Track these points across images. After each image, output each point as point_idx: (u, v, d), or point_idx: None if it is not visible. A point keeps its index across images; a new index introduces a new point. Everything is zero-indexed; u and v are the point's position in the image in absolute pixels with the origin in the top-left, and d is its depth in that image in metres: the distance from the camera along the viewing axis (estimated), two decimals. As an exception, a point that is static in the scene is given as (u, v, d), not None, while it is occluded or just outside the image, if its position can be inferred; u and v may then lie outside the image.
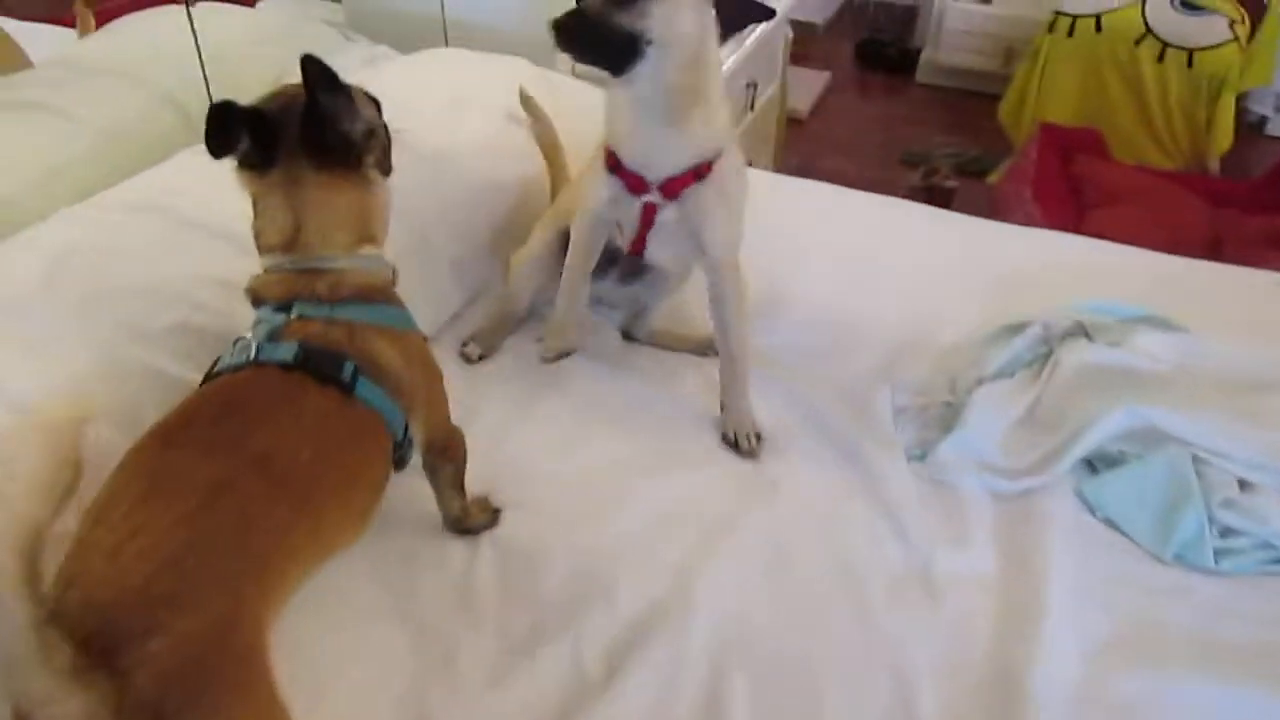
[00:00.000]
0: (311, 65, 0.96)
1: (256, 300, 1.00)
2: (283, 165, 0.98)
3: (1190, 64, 2.80)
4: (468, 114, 1.60)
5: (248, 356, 0.93)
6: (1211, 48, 2.78)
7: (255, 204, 1.01)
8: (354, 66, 1.83)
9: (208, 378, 0.96)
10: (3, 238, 1.26)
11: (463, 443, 1.13)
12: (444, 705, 1.00)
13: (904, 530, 1.21)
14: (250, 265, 1.05)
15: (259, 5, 2.37)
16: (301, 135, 0.97)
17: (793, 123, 3.46)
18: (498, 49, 1.86)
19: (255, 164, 0.99)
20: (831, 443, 1.34)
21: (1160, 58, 2.83)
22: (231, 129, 0.97)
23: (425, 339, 1.10)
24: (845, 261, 1.67)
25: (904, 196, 1.99)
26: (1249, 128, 3.41)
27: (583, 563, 1.15)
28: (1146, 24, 2.86)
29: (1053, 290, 1.54)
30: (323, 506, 0.91)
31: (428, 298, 1.44)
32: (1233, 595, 1.11)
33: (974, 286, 1.62)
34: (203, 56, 1.62)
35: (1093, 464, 1.27)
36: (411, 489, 1.15)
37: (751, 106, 2.44)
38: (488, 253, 1.56)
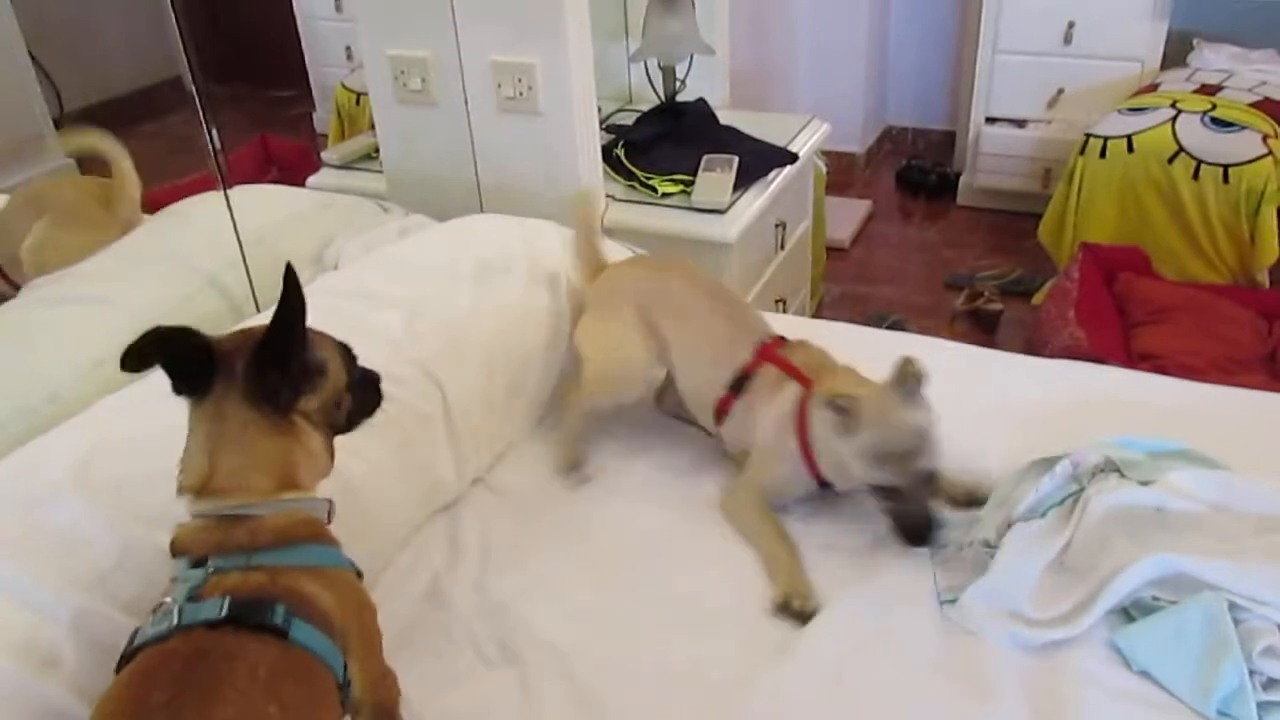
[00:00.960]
0: (291, 279, 0.95)
1: (176, 552, 0.96)
2: (214, 397, 0.96)
3: (1226, 179, 2.78)
4: (492, 278, 1.66)
5: (169, 624, 0.87)
6: (1247, 163, 2.77)
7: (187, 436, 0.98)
8: (389, 236, 1.93)
9: (128, 654, 0.89)
10: (48, 429, 1.33)
11: (395, 683, 1.05)
12: None
13: (926, 686, 1.17)
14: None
15: (310, 179, 2.53)
16: (250, 360, 0.96)
17: (835, 252, 3.51)
18: (531, 211, 1.95)
19: (179, 392, 0.98)
20: (860, 586, 1.32)
21: (1195, 175, 2.82)
22: (151, 354, 0.95)
23: (359, 574, 1.03)
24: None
25: (950, 320, 1.99)
26: (1299, 237, 3.35)
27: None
28: (1178, 142, 2.86)
29: (1089, 425, 1.50)
30: None
31: (455, 457, 1.49)
32: (1281, 756, 1.05)
33: (1013, 423, 1.59)
34: (240, 238, 1.73)
35: (1128, 612, 1.22)
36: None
37: (782, 245, 2.48)
38: (507, 413, 1.60)
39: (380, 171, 2.41)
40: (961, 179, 3.88)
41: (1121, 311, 2.76)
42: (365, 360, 1.18)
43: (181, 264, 1.78)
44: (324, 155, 2.58)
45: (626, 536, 1.44)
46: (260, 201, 2.00)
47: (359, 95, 2.80)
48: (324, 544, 0.98)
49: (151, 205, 1.96)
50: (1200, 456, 1.39)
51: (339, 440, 1.09)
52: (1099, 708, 1.12)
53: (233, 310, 1.74)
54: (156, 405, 1.35)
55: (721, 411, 1.51)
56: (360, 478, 1.32)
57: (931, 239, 3.77)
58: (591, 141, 2.11)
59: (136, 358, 0.95)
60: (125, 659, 0.89)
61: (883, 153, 4.40)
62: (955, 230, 3.79)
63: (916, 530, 1.35)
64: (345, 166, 2.54)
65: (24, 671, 1.01)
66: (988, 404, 1.65)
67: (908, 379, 1.33)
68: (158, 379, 1.43)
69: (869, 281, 3.48)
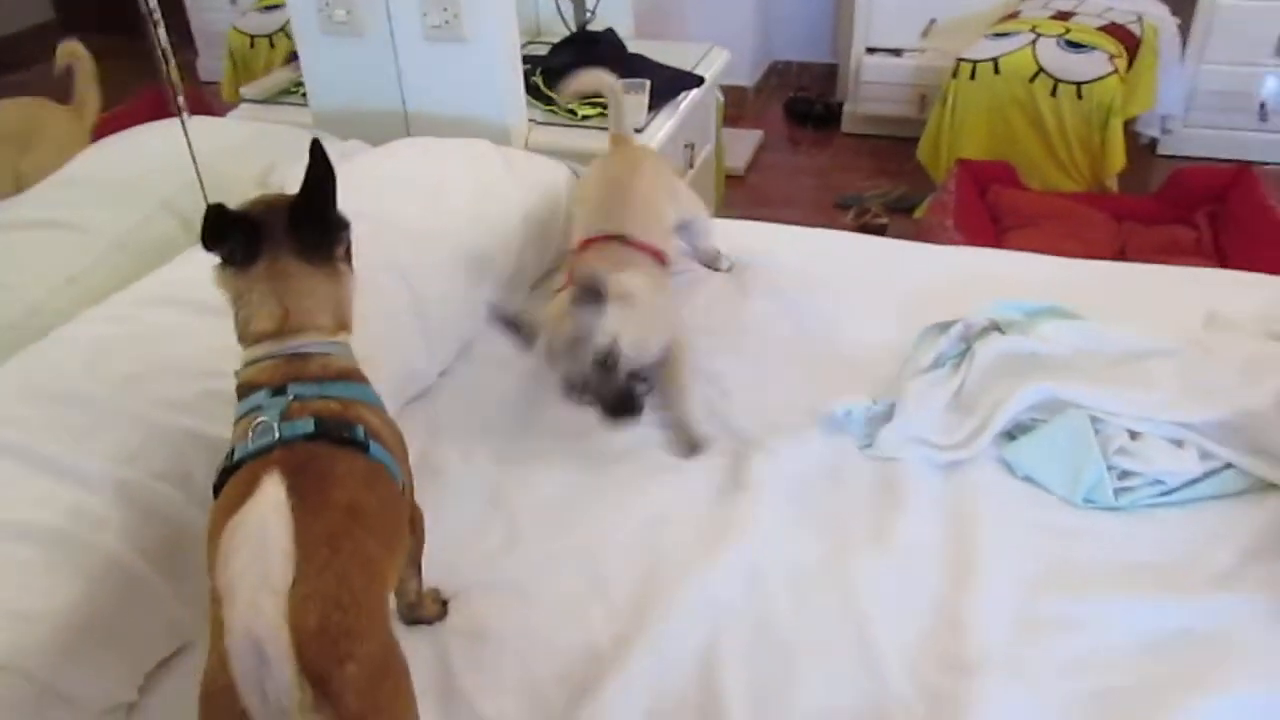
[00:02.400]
0: (318, 150, 1.07)
1: (249, 389, 1.05)
2: (267, 260, 1.06)
3: (1080, 96, 3.09)
4: (446, 193, 1.81)
5: (272, 438, 0.98)
6: (1096, 80, 3.08)
7: (238, 298, 1.09)
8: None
9: (229, 469, 0.99)
10: (33, 341, 1.42)
11: (422, 520, 1.19)
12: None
13: (860, 507, 1.40)
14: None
15: (229, 115, 2.59)
16: (291, 224, 1.07)
17: (731, 179, 3.71)
18: (455, 135, 2.08)
19: (237, 262, 1.07)
20: (793, 442, 1.53)
21: (1054, 93, 3.13)
22: (224, 229, 1.05)
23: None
24: (786, 289, 1.88)
25: (842, 235, 2.23)
26: (1142, 149, 3.73)
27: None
28: (1038, 63, 3.16)
29: (974, 298, 1.75)
30: (392, 541, 1.02)
31: (427, 350, 1.64)
32: (1132, 526, 1.32)
33: (902, 301, 1.83)
34: (196, 163, 1.82)
35: (1010, 433, 1.48)
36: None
37: (691, 165, 2.68)
38: (468, 306, 1.75)
39: (302, 105, 2.49)
40: (845, 108, 4.14)
41: (994, 219, 3.05)
42: None
43: (133, 189, 1.87)
44: (243, 91, 2.64)
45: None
46: (198, 132, 2.08)
47: (253, 38, 2.85)
48: (369, 386, 1.12)
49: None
50: (1065, 312, 1.66)
51: None
52: (994, 508, 1.37)
53: (187, 232, 1.84)
54: (143, 313, 1.49)
55: None
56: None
57: (820, 165, 4.02)
58: (515, 68, 2.25)
59: (215, 239, 1.06)
60: (226, 474, 0.99)
61: (770, 86, 4.62)
62: (842, 156, 4.05)
63: (613, 410, 1.49)
64: (266, 101, 2.61)
65: (79, 530, 1.14)
66: (883, 284, 1.89)
67: (584, 294, 1.44)
68: (130, 293, 1.55)
69: (765, 205, 3.71)
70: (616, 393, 1.49)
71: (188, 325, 1.45)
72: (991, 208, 3.09)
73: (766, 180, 3.94)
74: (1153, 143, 3.75)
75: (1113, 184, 3.21)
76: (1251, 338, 1.55)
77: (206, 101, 2.73)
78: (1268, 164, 3.54)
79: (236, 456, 0.99)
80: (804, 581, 1.29)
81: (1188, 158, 3.66)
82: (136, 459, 1.23)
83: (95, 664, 1.09)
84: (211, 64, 2.96)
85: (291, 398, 1.01)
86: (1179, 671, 1.10)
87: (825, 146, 4.15)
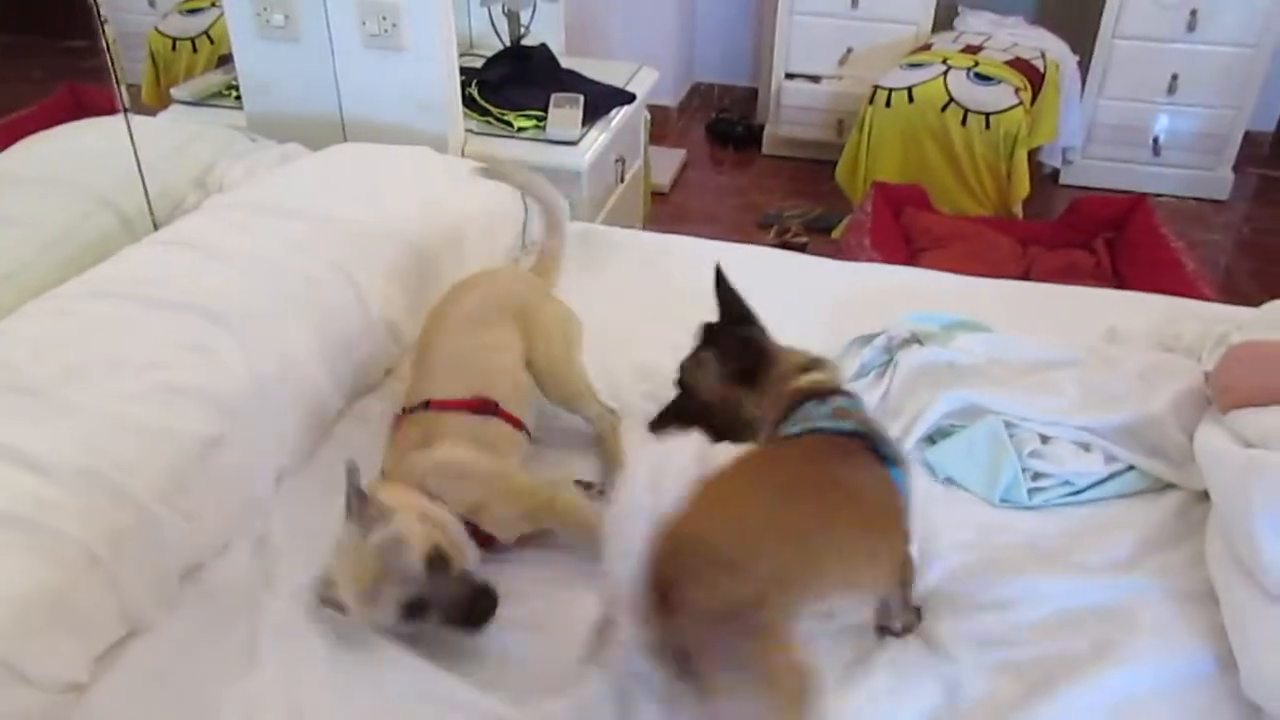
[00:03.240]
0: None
1: (806, 397, 1.19)
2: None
3: (988, 126, 3.27)
4: (390, 196, 1.84)
5: (843, 425, 1.15)
6: (1003, 111, 3.26)
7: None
8: (271, 162, 2.05)
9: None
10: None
11: (911, 566, 1.26)
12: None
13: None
14: (199, 328, 1.38)
15: (160, 116, 2.57)
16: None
17: (656, 196, 3.80)
18: (392, 142, 2.11)
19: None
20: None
21: (964, 122, 3.30)
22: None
23: None
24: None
25: (764, 254, 2.31)
26: (1045, 178, 3.94)
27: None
28: (949, 93, 3.33)
29: (892, 311, 1.85)
30: (867, 546, 1.09)
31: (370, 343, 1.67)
32: (1044, 521, 1.42)
33: (824, 314, 1.92)
34: (135, 160, 1.81)
35: (931, 438, 1.57)
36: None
37: (621, 179, 2.74)
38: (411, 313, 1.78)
39: (235, 108, 2.48)
40: (766, 130, 4.27)
41: (907, 240, 3.20)
42: (281, 262, 1.49)
43: (71, 185, 1.85)
44: (173, 92, 2.62)
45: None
46: (137, 131, 2.07)
47: (175, 40, 2.82)
48: None
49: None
50: (977, 324, 1.77)
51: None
52: (917, 507, 1.44)
53: (125, 228, 1.83)
54: (85, 307, 1.49)
55: None
56: (303, 353, 1.50)
57: (741, 184, 4.14)
58: (453, 78, 2.29)
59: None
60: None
61: (693, 107, 4.74)
62: (762, 176, 4.18)
63: (465, 617, 1.19)
64: (197, 103, 2.59)
65: (37, 514, 1.15)
66: (807, 298, 1.97)
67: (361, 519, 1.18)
68: (71, 286, 1.54)
69: (688, 222, 3.80)
70: (463, 595, 1.18)
71: (131, 318, 1.46)
72: (905, 229, 3.24)
73: (690, 198, 4.03)
74: (1055, 173, 3.97)
75: (1018, 210, 3.39)
76: (1148, 350, 1.67)
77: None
78: (1160, 195, 3.78)
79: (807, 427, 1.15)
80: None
81: (1086, 188, 3.89)
82: (92, 448, 1.23)
83: (50, 644, 1.10)
84: (128, 66, 2.91)
85: (837, 404, 1.19)
86: (1086, 643, 1.20)
87: (746, 167, 4.27)
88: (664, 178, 3.97)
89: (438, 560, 1.17)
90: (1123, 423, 1.49)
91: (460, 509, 1.28)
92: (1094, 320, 1.85)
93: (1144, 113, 3.79)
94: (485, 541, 1.31)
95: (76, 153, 1.94)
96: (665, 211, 3.83)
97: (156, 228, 1.81)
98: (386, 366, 1.71)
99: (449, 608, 1.17)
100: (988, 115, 3.27)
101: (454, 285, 1.60)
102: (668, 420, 1.32)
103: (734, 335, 1.30)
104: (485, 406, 1.41)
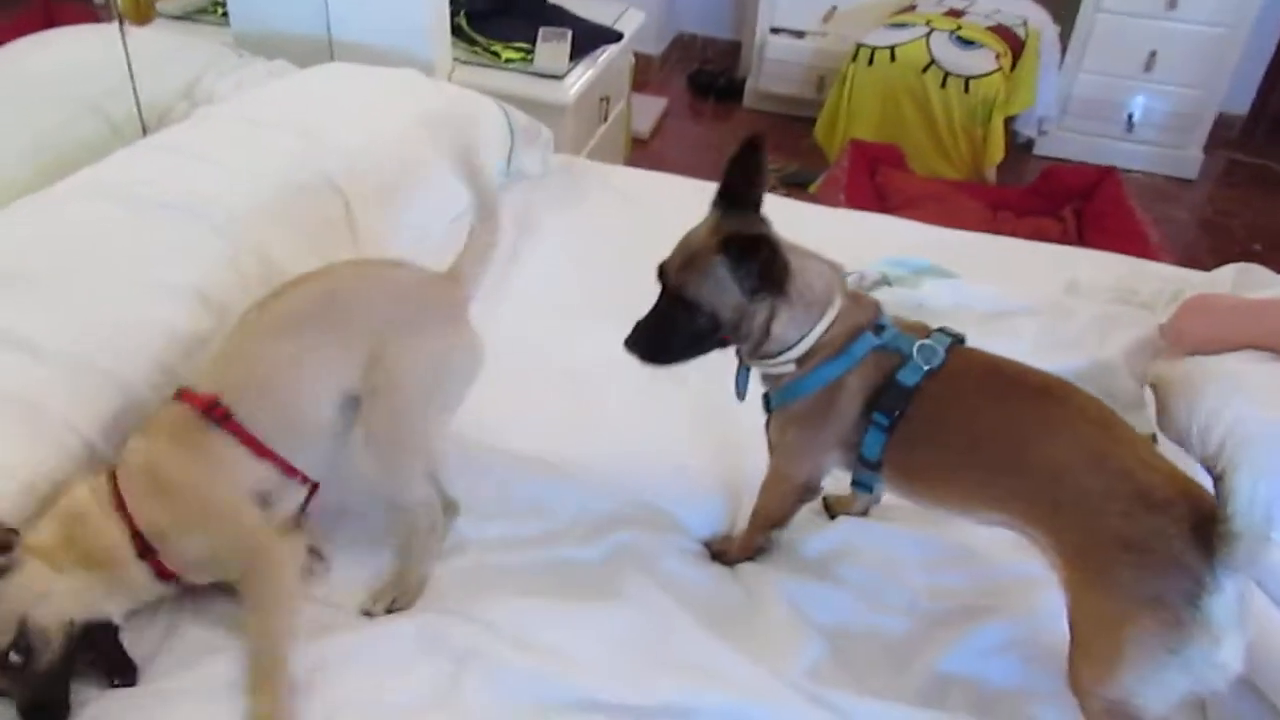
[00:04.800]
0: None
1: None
2: None
3: (967, 90, 3.32)
4: (378, 115, 1.85)
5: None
6: (983, 76, 3.31)
7: None
8: (259, 78, 2.06)
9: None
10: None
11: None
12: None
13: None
14: (188, 227, 1.40)
15: (148, 27, 2.55)
16: None
17: (636, 142, 3.82)
18: (379, 65, 2.11)
19: None
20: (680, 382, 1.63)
21: (943, 84, 3.35)
22: None
23: None
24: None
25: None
26: (1020, 147, 4.01)
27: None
28: (931, 55, 3.37)
29: (865, 256, 1.91)
30: None
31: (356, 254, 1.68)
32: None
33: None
34: (127, 65, 1.82)
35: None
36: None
37: (605, 118, 2.77)
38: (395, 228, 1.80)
39: (222, 25, 2.47)
40: (747, 83, 4.30)
41: (881, 198, 3.25)
42: (270, 170, 1.50)
43: (55, 90, 1.85)
44: (159, 6, 2.60)
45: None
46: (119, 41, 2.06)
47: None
48: None
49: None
50: (946, 272, 1.84)
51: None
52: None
53: (115, 132, 1.84)
54: (66, 206, 1.50)
55: None
56: (288, 260, 1.52)
57: (721, 137, 4.17)
58: (442, 4, 2.30)
59: None
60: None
61: (675, 57, 4.74)
62: (741, 129, 4.18)
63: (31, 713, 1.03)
64: (183, 18, 2.57)
65: (27, 393, 1.18)
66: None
67: None
68: (63, 185, 1.55)
69: (667, 169, 3.82)
70: (24, 700, 1.02)
71: (120, 217, 1.48)
72: (880, 187, 3.29)
73: (669, 147, 4.06)
74: (1029, 142, 4.03)
75: (991, 175, 3.46)
76: (1105, 302, 1.75)
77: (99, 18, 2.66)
78: (1130, 170, 3.86)
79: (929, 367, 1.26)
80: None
81: (1059, 159, 3.95)
82: (82, 336, 1.27)
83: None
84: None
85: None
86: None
87: (726, 119, 4.30)
88: (644, 125, 3.99)
89: (22, 644, 1.00)
90: (1077, 367, 1.56)
91: (150, 531, 1.10)
92: (1057, 276, 1.92)
93: (1120, 88, 3.85)
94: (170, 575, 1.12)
95: (59, 60, 1.94)
96: (644, 158, 3.85)
97: (145, 134, 1.82)
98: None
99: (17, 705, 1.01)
100: (967, 79, 3.32)
101: (316, 270, 1.30)
102: (655, 346, 1.20)
103: (765, 241, 1.14)
104: (211, 410, 1.15)
